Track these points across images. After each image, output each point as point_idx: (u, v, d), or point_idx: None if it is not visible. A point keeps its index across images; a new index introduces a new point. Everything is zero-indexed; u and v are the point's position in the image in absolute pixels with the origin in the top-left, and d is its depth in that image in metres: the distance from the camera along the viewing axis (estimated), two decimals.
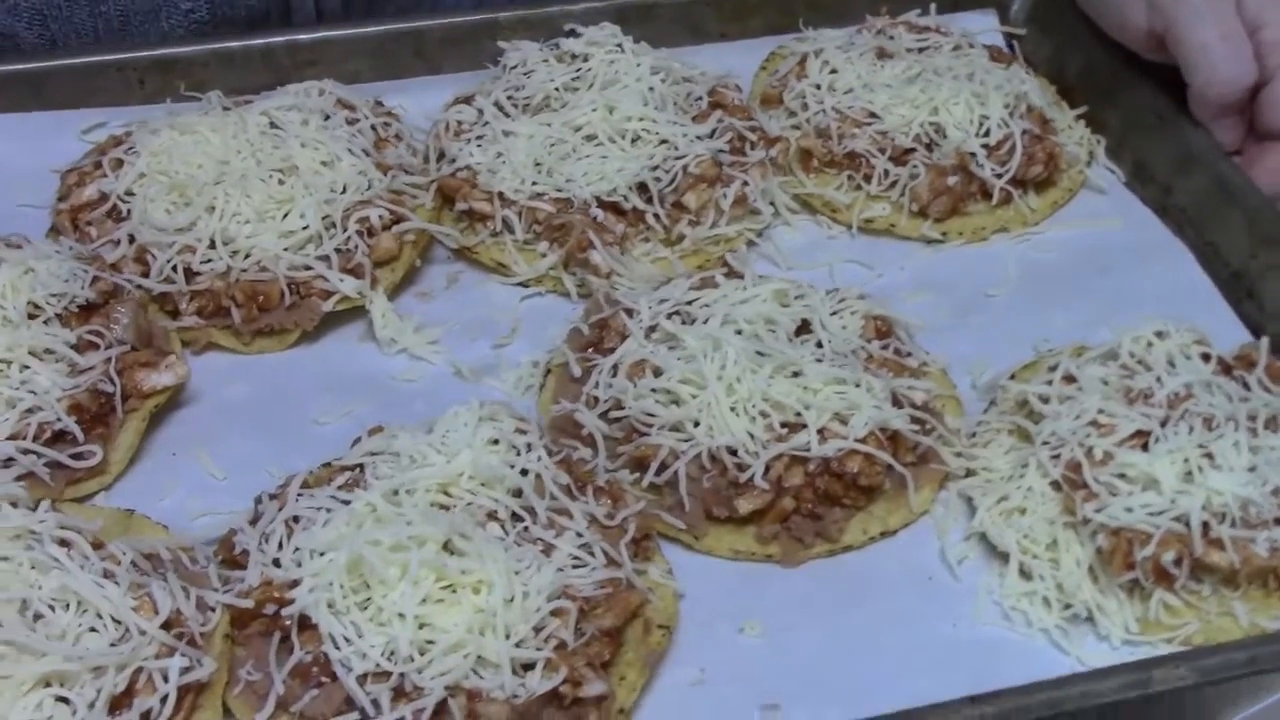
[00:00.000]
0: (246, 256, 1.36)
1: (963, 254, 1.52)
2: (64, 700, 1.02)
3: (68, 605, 1.06)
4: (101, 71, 1.58)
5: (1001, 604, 1.19)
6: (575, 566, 1.13)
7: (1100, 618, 1.17)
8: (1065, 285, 1.48)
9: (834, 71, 1.58)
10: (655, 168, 1.46)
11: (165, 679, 1.06)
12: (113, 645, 1.05)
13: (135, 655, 1.05)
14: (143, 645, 1.06)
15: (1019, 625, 1.18)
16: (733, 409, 1.23)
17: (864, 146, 1.51)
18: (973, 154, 1.50)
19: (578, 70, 1.54)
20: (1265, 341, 1.30)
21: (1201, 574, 1.16)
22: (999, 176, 1.50)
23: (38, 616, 1.05)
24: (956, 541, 1.24)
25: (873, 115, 1.54)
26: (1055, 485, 1.22)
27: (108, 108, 1.58)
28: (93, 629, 1.06)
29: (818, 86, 1.57)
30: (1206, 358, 1.28)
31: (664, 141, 1.48)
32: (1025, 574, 1.20)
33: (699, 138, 1.49)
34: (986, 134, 1.52)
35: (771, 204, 1.52)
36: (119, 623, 1.06)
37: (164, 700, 1.05)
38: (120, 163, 1.42)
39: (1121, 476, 1.19)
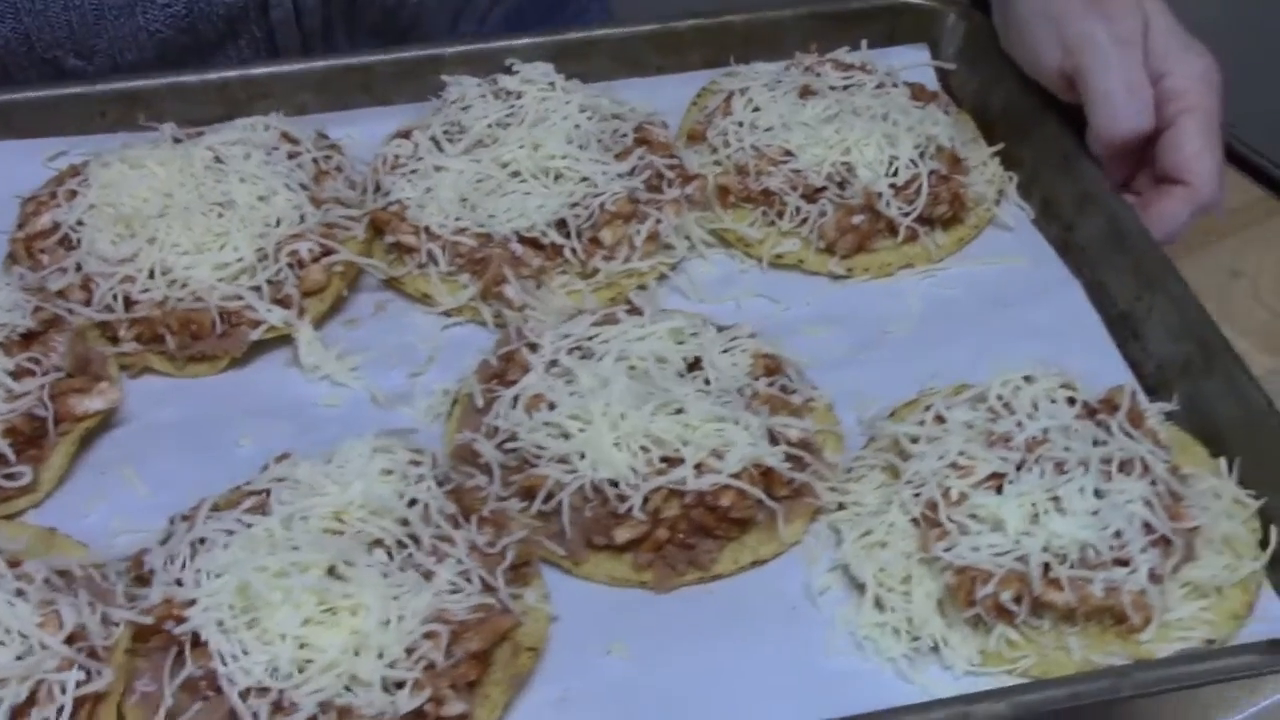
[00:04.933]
0: (183, 286, 1.42)
1: (868, 289, 1.57)
2: None
3: None
4: (65, 103, 1.65)
5: (855, 634, 1.25)
6: (452, 592, 1.19)
7: (945, 649, 1.23)
8: (964, 321, 1.53)
9: (757, 109, 1.64)
10: (575, 205, 1.52)
11: (63, 690, 1.13)
12: (18, 659, 1.12)
13: (37, 668, 1.12)
14: (45, 658, 1.13)
15: (870, 655, 1.24)
16: (615, 444, 1.29)
17: (778, 184, 1.57)
18: (879, 194, 1.55)
19: (511, 107, 1.60)
20: (1129, 387, 1.35)
21: (1042, 611, 1.22)
22: (905, 215, 1.56)
23: None
24: (821, 573, 1.30)
25: (789, 153, 1.59)
26: (915, 522, 1.28)
27: (71, 136, 1.64)
28: (1, 643, 1.13)
29: (740, 124, 1.63)
30: (1072, 401, 1.33)
31: (584, 179, 1.55)
32: (879, 605, 1.26)
33: (619, 175, 1.55)
34: (895, 174, 1.57)
35: (688, 238, 1.58)
36: (25, 637, 1.13)
37: (60, 710, 1.12)
38: (73, 194, 1.49)
39: (973, 517, 1.25)
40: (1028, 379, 1.34)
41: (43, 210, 1.50)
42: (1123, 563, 1.23)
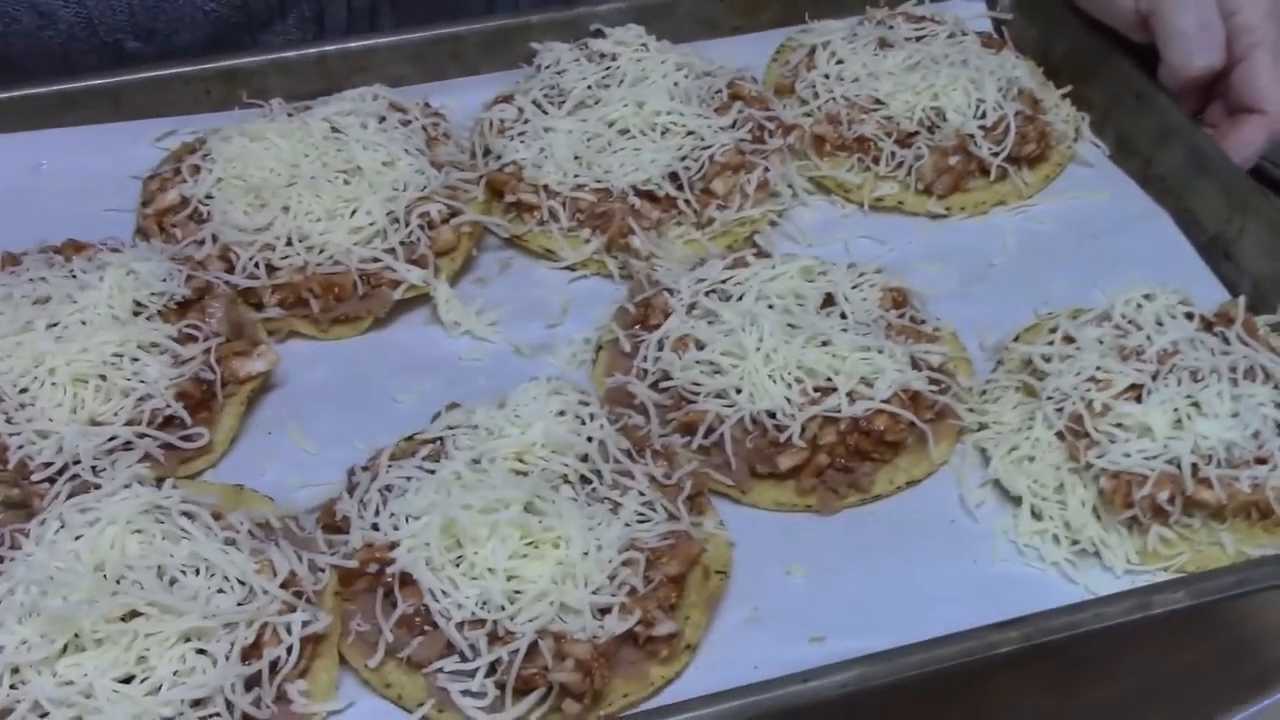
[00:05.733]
0: (321, 251, 1.47)
1: (965, 227, 1.65)
2: (203, 652, 1.13)
3: (198, 570, 1.18)
4: (173, 83, 1.68)
5: (1016, 542, 1.32)
6: (640, 521, 1.25)
7: (1104, 551, 1.30)
8: (1060, 253, 1.61)
9: (840, 62, 1.71)
10: (684, 157, 1.58)
11: (289, 632, 1.17)
12: (240, 604, 1.16)
13: (261, 612, 1.16)
14: (267, 603, 1.17)
15: (1032, 560, 1.31)
16: (770, 376, 1.36)
17: (872, 131, 1.64)
18: (971, 135, 1.63)
19: (607, 68, 1.65)
20: (1242, 299, 1.44)
21: (1192, 509, 1.29)
22: (995, 155, 1.63)
23: (172, 581, 1.17)
24: (974, 488, 1.37)
25: (878, 102, 1.67)
26: (1060, 435, 1.35)
27: (179, 116, 1.67)
28: (220, 590, 1.17)
29: (826, 76, 1.70)
30: (1190, 316, 1.41)
31: (691, 133, 1.60)
32: (1036, 515, 1.33)
33: (722, 128, 1.61)
34: (983, 116, 1.65)
35: (790, 186, 1.64)
36: (244, 584, 1.18)
37: (289, 650, 1.17)
38: (197, 169, 1.53)
39: (1119, 426, 1.32)
40: (1148, 296, 1.42)
41: (168, 186, 1.53)
42: (1262, 461, 1.31)
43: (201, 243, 1.48)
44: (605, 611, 1.19)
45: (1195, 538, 1.30)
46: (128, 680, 1.12)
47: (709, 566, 1.27)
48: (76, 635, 1.13)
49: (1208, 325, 1.41)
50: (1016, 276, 1.59)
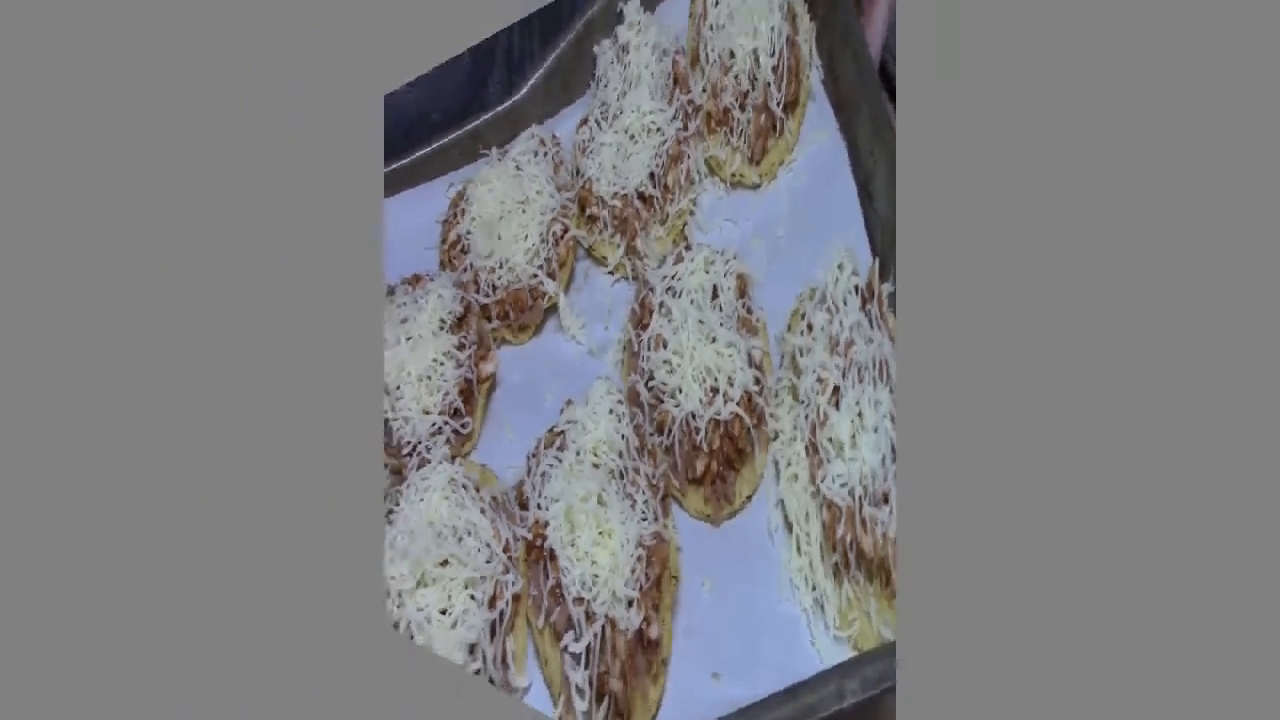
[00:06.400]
0: (510, 270, 1.78)
1: (769, 195, 1.68)
2: (474, 599, 1.41)
3: (469, 532, 1.46)
4: (448, 149, 2.04)
5: (792, 578, 1.33)
6: (641, 520, 1.39)
7: (826, 604, 1.20)
8: (811, 214, 1.59)
9: (716, 4, 1.68)
10: (655, 155, 1.71)
11: (508, 589, 1.45)
12: (487, 563, 1.43)
13: (494, 570, 1.43)
14: (498, 564, 1.44)
15: (797, 603, 1.30)
16: (693, 377, 1.43)
17: (729, 100, 1.66)
18: (768, 84, 1.62)
19: (625, 67, 1.79)
20: (876, 264, 1.37)
21: (860, 561, 1.15)
22: (779, 104, 1.62)
23: (459, 539, 1.44)
24: (773, 508, 1.40)
25: (731, 54, 1.64)
26: (807, 449, 1.24)
27: (453, 171, 2.02)
28: (479, 550, 1.44)
29: (711, 28, 1.70)
30: (856, 290, 1.33)
31: (658, 129, 1.74)
32: (798, 548, 1.28)
33: (671, 119, 1.74)
34: (773, 54, 1.59)
35: (698, 171, 1.76)
36: (488, 547, 1.46)
37: (508, 603, 1.44)
38: (463, 212, 1.88)
39: (830, 440, 1.20)
40: (840, 267, 1.36)
41: (450, 228, 1.94)
42: (885, 498, 1.13)
43: (465, 270, 1.85)
44: (630, 604, 1.33)
45: (863, 602, 1.16)
46: (445, 613, 1.39)
47: (670, 571, 1.41)
48: (423, 575, 1.40)
49: (863, 301, 1.31)
50: (793, 249, 1.59)
